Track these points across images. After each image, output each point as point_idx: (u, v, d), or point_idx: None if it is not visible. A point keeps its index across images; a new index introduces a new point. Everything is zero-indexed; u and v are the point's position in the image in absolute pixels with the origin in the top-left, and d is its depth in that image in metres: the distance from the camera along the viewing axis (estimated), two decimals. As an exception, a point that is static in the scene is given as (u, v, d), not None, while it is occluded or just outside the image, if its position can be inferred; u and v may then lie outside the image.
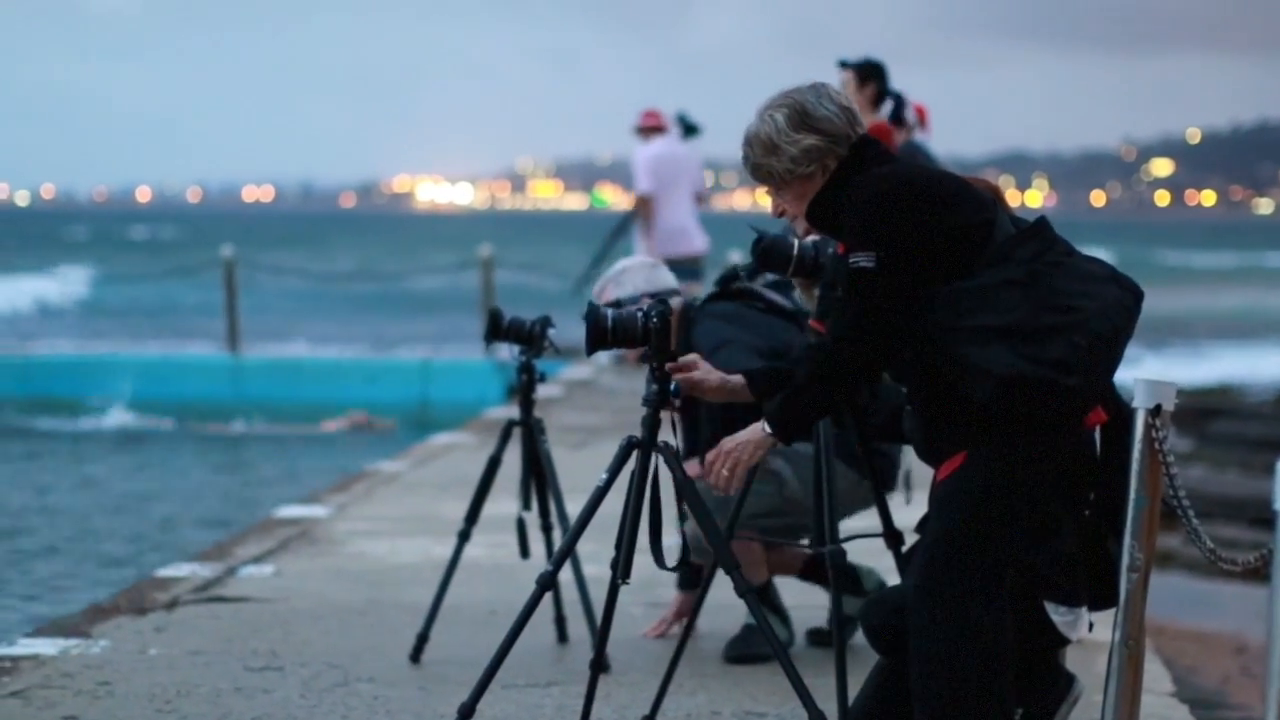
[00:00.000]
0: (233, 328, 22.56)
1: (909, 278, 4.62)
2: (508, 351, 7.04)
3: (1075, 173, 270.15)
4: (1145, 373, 4.74)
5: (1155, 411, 4.54)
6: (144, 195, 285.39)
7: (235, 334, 22.58)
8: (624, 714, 6.12)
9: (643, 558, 5.25)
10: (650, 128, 17.45)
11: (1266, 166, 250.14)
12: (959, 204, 4.68)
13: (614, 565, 5.17)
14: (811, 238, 5.53)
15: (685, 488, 5.11)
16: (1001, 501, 4.59)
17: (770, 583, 6.95)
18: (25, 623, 9.62)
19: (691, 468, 5.78)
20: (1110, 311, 4.57)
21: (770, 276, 6.77)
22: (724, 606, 6.45)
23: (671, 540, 5.32)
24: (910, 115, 10.97)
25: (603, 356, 17.24)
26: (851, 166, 4.81)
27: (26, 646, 7.05)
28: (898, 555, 5.55)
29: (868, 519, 5.96)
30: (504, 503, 7.56)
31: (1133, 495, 4.56)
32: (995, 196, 4.81)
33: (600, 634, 5.37)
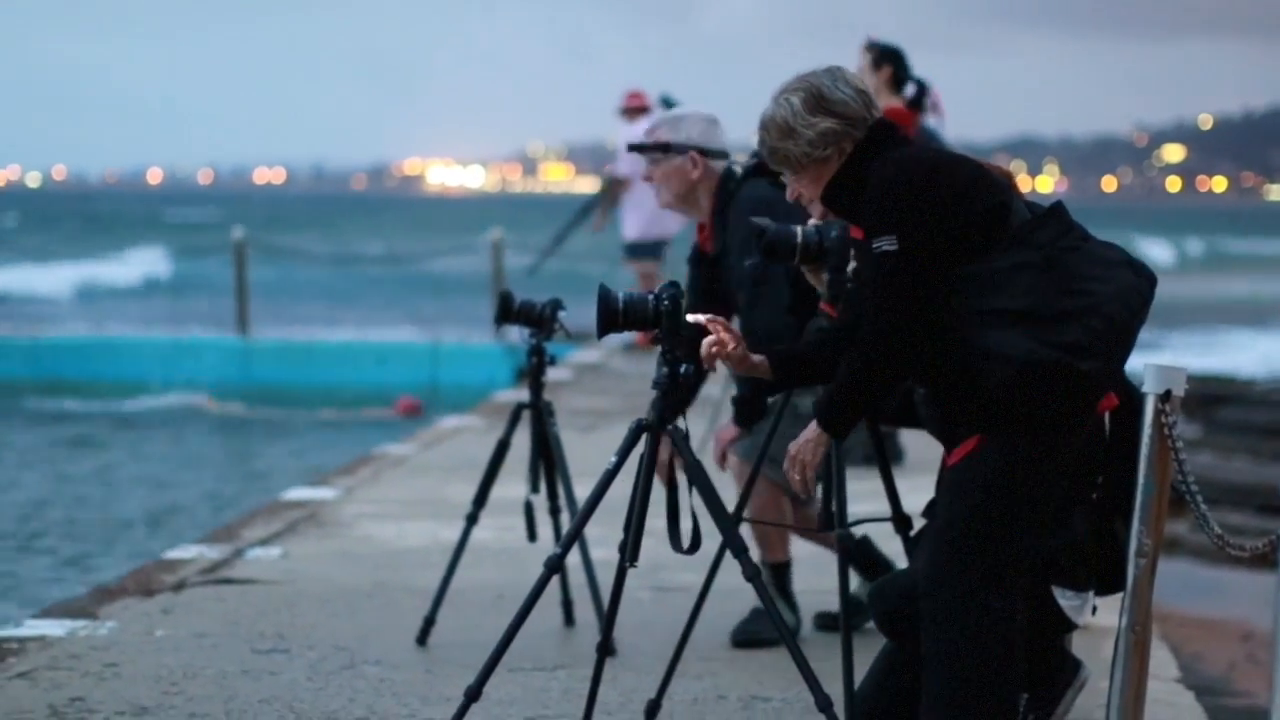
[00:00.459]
0: (242, 311, 22.56)
1: (929, 260, 4.60)
2: (518, 334, 7.03)
3: (1087, 158, 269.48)
4: (1157, 359, 4.73)
5: (1165, 397, 4.53)
6: (155, 177, 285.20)
7: (245, 317, 22.59)
8: (630, 698, 6.11)
9: (650, 541, 5.25)
10: (634, 108, 17.39)
11: (1278, 153, 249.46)
12: (976, 187, 4.65)
13: (622, 549, 5.17)
14: (813, 223, 5.52)
15: (694, 470, 5.10)
16: (1014, 488, 4.57)
17: (788, 565, 6.92)
18: (33, 604, 9.63)
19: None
20: (1125, 296, 4.55)
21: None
22: (731, 591, 6.44)
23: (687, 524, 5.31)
24: (928, 101, 10.92)
25: (613, 339, 17.21)
26: (868, 150, 4.78)
27: (33, 628, 7.06)
28: (906, 539, 5.55)
29: (876, 503, 5.95)
30: (512, 486, 7.55)
31: (1141, 481, 4.55)
32: (1008, 182, 4.79)
33: (607, 618, 5.37)
